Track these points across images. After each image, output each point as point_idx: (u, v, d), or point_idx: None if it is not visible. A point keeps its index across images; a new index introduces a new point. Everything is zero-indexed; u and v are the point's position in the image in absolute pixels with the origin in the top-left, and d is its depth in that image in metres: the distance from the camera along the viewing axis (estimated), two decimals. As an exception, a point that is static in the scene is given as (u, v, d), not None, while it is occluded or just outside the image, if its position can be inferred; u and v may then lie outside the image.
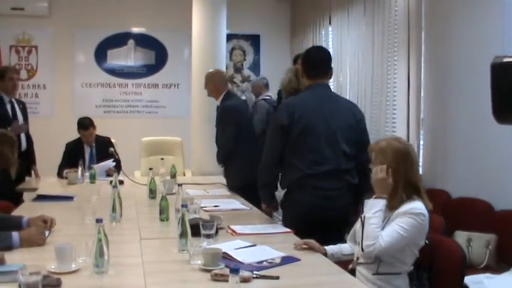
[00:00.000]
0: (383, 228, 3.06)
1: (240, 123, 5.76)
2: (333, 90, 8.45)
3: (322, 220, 3.93)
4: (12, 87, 6.78)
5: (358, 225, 3.22)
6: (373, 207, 3.11)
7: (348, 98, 7.86)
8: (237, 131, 5.68)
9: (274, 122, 4.30)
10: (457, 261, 3.10)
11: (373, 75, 6.99)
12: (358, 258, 3.22)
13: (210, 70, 6.51)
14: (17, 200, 5.21)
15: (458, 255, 3.10)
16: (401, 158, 3.18)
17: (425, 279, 3.20)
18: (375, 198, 3.17)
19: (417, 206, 3.07)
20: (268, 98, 8.13)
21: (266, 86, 8.37)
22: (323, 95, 4.30)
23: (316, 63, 4.34)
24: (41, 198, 5.36)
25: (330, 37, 8.81)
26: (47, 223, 3.78)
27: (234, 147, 5.71)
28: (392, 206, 3.15)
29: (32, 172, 6.81)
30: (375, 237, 3.01)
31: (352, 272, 3.16)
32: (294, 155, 4.14)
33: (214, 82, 6.16)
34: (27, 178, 6.39)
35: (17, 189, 5.75)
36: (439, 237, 3.38)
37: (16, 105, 6.86)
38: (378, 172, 3.17)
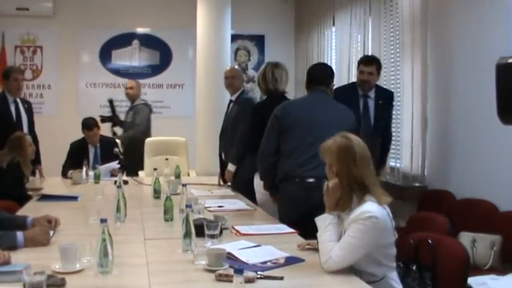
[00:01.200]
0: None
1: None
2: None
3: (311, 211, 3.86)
4: (16, 88, 6.80)
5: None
6: (323, 223, 3.02)
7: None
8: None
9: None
10: (460, 262, 3.09)
11: (380, 76, 6.96)
12: None
13: (234, 67, 7.12)
14: (25, 200, 5.22)
15: (462, 255, 3.10)
16: (342, 154, 3.02)
17: (428, 279, 3.19)
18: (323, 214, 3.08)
19: (366, 209, 2.89)
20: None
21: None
22: (319, 97, 4.60)
23: (319, 79, 4.66)
24: (45, 198, 5.37)
25: (334, 37, 8.80)
26: (51, 223, 3.78)
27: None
28: (344, 209, 3.04)
29: (37, 172, 6.82)
30: (328, 252, 2.92)
31: None
32: (285, 147, 4.43)
33: (242, 78, 6.42)
34: (31, 178, 6.40)
35: (27, 188, 5.74)
36: (442, 237, 3.37)
37: (21, 105, 6.88)
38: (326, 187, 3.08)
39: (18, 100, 6.89)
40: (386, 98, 5.94)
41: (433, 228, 3.95)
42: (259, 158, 4.66)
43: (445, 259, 3.14)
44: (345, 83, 8.03)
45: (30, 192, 5.64)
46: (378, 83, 6.00)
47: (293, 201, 4.34)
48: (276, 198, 4.66)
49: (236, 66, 6.96)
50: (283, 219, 4.31)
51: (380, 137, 5.82)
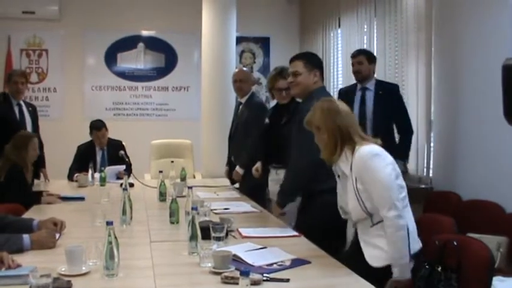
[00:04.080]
0: (356, 189, 3.20)
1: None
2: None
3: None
4: (16, 91, 6.79)
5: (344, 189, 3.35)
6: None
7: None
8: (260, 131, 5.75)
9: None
10: (485, 263, 3.09)
11: (385, 78, 6.96)
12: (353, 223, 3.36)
13: (244, 69, 7.05)
14: (35, 202, 5.23)
15: (486, 257, 3.09)
16: (326, 110, 3.37)
17: (454, 281, 3.18)
18: None
19: (363, 152, 3.19)
20: None
21: None
22: None
23: None
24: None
25: (339, 39, 8.80)
26: (57, 226, 3.79)
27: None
28: (332, 160, 3.33)
29: (41, 175, 6.84)
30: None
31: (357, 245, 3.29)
32: None
33: (251, 80, 6.40)
34: (35, 181, 6.41)
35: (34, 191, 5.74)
36: (466, 239, 3.38)
37: (25, 108, 6.89)
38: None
39: (22, 103, 6.90)
40: (388, 90, 5.92)
41: (440, 229, 3.94)
42: (309, 167, 4.07)
43: (469, 261, 3.14)
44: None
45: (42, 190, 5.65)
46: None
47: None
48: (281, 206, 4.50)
49: (244, 68, 6.94)
50: (316, 227, 3.96)
51: (385, 128, 5.73)
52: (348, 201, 3.28)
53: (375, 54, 7.17)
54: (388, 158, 3.20)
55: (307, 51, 4.83)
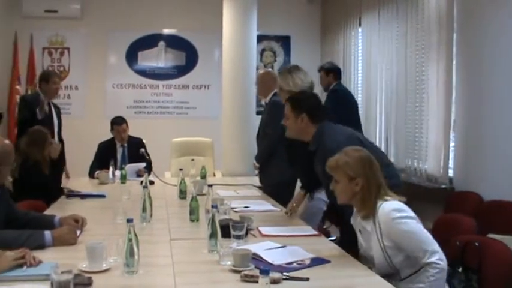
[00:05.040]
0: (383, 246, 3.09)
1: None
2: (361, 93, 8.49)
3: None
4: (55, 92, 7.06)
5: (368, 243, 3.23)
6: None
7: (377, 100, 7.85)
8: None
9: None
10: (506, 265, 3.06)
11: (406, 77, 6.94)
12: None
13: (261, 71, 6.99)
14: (55, 198, 5.29)
15: (508, 258, 3.07)
16: (368, 163, 3.23)
17: (475, 282, 3.16)
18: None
19: (386, 209, 3.08)
20: None
21: None
22: None
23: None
24: (73, 195, 5.43)
25: (360, 38, 8.77)
26: (78, 222, 3.82)
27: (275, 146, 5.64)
28: (365, 215, 3.20)
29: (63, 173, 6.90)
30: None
31: None
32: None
33: (265, 81, 6.38)
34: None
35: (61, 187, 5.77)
36: (488, 240, 3.35)
37: (53, 109, 7.07)
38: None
39: (51, 103, 7.07)
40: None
41: (460, 230, 3.92)
42: None
43: (491, 262, 3.11)
44: (371, 84, 8.04)
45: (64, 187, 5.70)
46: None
47: None
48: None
49: (262, 71, 6.95)
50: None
51: None
52: (374, 257, 3.18)
53: (395, 53, 7.18)
54: (411, 212, 3.11)
55: (296, 93, 4.56)
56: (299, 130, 4.17)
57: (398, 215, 3.04)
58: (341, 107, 6.80)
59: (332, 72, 7.56)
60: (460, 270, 3.14)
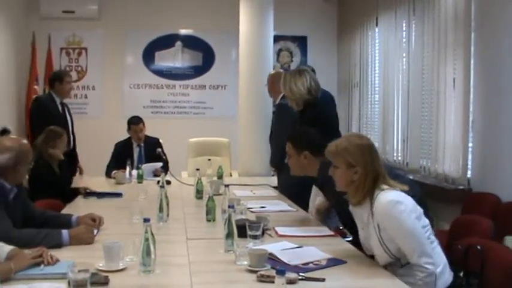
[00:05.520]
0: (380, 237, 3.07)
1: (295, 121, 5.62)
2: (378, 92, 8.45)
3: None
4: (69, 91, 7.33)
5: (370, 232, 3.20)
6: None
7: (394, 100, 7.82)
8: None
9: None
10: (510, 269, 3.02)
11: (422, 77, 6.90)
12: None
13: (272, 71, 6.96)
14: (71, 198, 5.33)
15: (511, 262, 3.03)
16: (367, 151, 3.20)
17: (476, 286, 3.13)
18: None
19: (382, 201, 3.03)
20: None
21: None
22: None
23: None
24: (91, 194, 5.46)
25: (377, 38, 8.74)
26: (95, 221, 3.84)
27: None
28: (356, 202, 3.18)
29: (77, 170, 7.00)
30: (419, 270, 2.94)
31: None
32: None
33: (275, 81, 6.35)
34: (73, 177, 6.53)
35: (73, 188, 5.80)
36: (491, 243, 3.31)
37: (66, 108, 7.26)
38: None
39: (63, 102, 7.23)
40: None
41: (477, 231, 3.89)
42: None
43: (494, 266, 3.07)
44: (388, 84, 8.00)
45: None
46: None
47: None
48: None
49: (272, 71, 6.96)
50: None
51: None
52: (373, 247, 3.17)
53: (413, 53, 7.16)
54: (410, 204, 3.04)
55: (298, 131, 4.51)
56: (303, 167, 4.15)
57: (394, 208, 2.99)
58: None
59: None
60: (461, 274, 3.10)
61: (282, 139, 5.40)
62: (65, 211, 4.45)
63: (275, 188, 6.12)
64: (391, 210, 2.99)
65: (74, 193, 5.46)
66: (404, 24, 7.63)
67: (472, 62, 5.92)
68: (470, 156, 5.99)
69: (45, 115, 6.89)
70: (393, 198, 3.02)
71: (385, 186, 3.11)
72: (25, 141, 3.79)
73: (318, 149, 4.00)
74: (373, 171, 3.15)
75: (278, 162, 5.83)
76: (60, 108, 7.14)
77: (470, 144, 5.98)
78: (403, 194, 3.07)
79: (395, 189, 3.11)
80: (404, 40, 7.63)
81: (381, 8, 8.50)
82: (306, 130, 4.41)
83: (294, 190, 5.47)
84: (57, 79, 7.20)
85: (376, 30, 8.75)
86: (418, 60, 7.03)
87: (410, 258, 2.96)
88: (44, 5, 9.87)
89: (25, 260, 2.85)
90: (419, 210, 3.10)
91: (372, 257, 3.29)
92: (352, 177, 3.17)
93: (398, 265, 3.09)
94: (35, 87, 9.52)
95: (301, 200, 5.03)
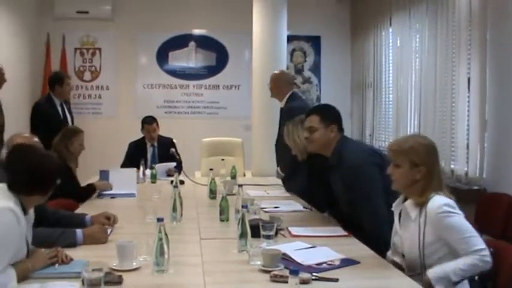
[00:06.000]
0: (423, 235, 3.05)
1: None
2: (392, 93, 8.43)
3: None
4: (69, 92, 7.66)
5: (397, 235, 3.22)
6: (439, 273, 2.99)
7: (408, 100, 7.79)
8: None
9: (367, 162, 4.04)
10: None
11: (435, 77, 6.87)
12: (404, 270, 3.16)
13: (275, 71, 6.62)
14: (85, 198, 5.36)
15: None
16: (430, 152, 3.18)
17: None
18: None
19: (440, 203, 3.02)
20: None
21: None
22: None
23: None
24: (104, 194, 5.47)
25: (390, 38, 8.71)
26: (110, 220, 3.86)
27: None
28: (420, 202, 3.12)
29: None
30: (473, 260, 2.92)
31: None
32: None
33: (278, 83, 6.27)
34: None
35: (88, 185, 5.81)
36: (504, 244, 3.29)
37: (64, 106, 7.44)
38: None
39: (63, 102, 7.43)
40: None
41: (491, 232, 3.87)
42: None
43: (507, 268, 3.05)
44: (402, 84, 7.98)
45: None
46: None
47: None
48: None
49: (275, 71, 6.69)
50: None
51: None
52: (406, 244, 3.16)
53: (426, 53, 7.12)
54: (460, 211, 3.06)
55: (323, 104, 4.47)
56: (326, 142, 4.09)
57: (450, 209, 3.00)
58: None
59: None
60: (476, 278, 3.07)
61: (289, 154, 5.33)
62: (79, 211, 4.46)
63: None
64: (447, 212, 2.99)
65: (89, 191, 5.48)
66: (418, 24, 7.60)
67: (487, 61, 5.88)
68: (484, 156, 5.95)
69: (44, 119, 7.03)
70: (448, 202, 3.04)
71: (440, 192, 3.11)
72: (36, 138, 3.84)
73: (341, 125, 4.12)
74: (437, 171, 3.17)
75: (291, 171, 5.74)
76: (60, 109, 7.30)
77: (485, 145, 5.94)
78: (453, 202, 3.08)
79: (447, 196, 3.11)
80: (418, 40, 7.60)
81: (394, 8, 8.48)
82: (327, 104, 4.43)
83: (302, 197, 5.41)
84: (57, 82, 7.34)
85: (390, 30, 8.72)
86: (432, 60, 7.00)
87: (467, 249, 2.92)
88: (58, 6, 9.92)
89: (42, 260, 2.87)
90: None
91: (384, 256, 3.29)
92: (414, 176, 3.14)
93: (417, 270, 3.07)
94: (49, 87, 9.58)
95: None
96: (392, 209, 3.34)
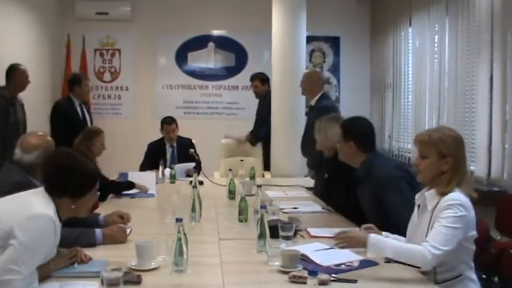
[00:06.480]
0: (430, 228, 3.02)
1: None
2: (411, 93, 8.38)
3: None
4: (87, 92, 8.00)
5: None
6: (377, 245, 3.04)
7: (427, 101, 7.74)
8: None
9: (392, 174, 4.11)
10: None
11: (456, 78, 6.82)
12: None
13: (308, 70, 6.83)
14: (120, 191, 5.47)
15: None
16: (461, 145, 3.17)
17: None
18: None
19: (454, 197, 2.99)
20: None
21: None
22: None
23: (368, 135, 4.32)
24: (123, 194, 5.50)
25: (410, 38, 8.67)
26: (123, 218, 3.88)
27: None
28: (444, 193, 3.08)
29: None
30: (419, 249, 2.92)
31: None
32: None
33: (311, 81, 6.39)
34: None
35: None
36: None
37: (83, 107, 7.65)
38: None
39: (81, 103, 7.64)
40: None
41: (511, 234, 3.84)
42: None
43: None
44: (421, 85, 7.93)
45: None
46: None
47: None
48: None
49: (307, 69, 6.97)
50: None
51: None
52: (417, 234, 3.16)
53: (446, 53, 7.08)
54: (470, 214, 3.00)
55: (351, 119, 4.55)
56: (348, 155, 4.25)
57: (458, 207, 2.95)
58: None
59: (267, 82, 8.29)
60: (496, 279, 3.04)
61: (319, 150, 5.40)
62: (98, 211, 4.48)
63: (308, 189, 6.10)
64: (449, 207, 2.96)
65: (129, 186, 5.53)
66: (437, 24, 7.55)
67: (508, 62, 5.83)
68: (506, 157, 5.89)
69: (64, 119, 7.24)
70: (462, 202, 2.99)
71: (463, 187, 3.08)
72: (49, 137, 3.87)
73: (363, 144, 4.15)
74: (464, 164, 3.14)
75: (318, 167, 5.79)
76: (79, 109, 7.49)
77: (506, 146, 5.89)
78: (471, 206, 3.03)
79: (468, 193, 3.08)
80: (437, 40, 7.55)
81: (414, 8, 8.44)
82: (360, 122, 4.41)
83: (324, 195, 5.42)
84: (76, 83, 7.58)
85: (410, 30, 8.68)
86: (452, 60, 6.95)
87: (429, 240, 2.92)
88: (78, 7, 10.00)
89: (63, 260, 2.89)
90: (472, 228, 3.04)
91: None
92: (442, 167, 3.12)
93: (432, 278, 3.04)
94: (70, 88, 9.65)
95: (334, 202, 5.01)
96: (415, 200, 3.32)
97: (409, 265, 3.00)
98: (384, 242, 2.99)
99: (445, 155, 3.10)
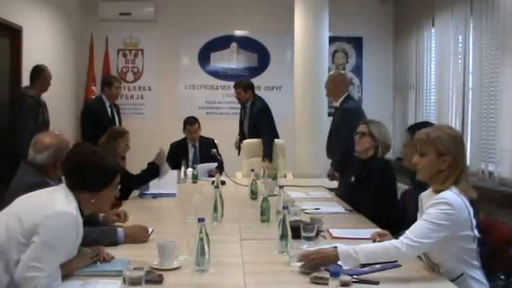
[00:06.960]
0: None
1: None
2: (434, 94, 8.33)
3: None
4: (117, 94, 8.11)
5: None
6: (350, 257, 2.96)
7: (450, 102, 7.68)
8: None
9: None
10: None
11: (480, 78, 6.76)
12: None
13: (333, 72, 7.14)
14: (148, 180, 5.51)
15: None
16: (460, 143, 3.15)
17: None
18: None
19: (442, 195, 2.97)
20: None
21: None
22: None
23: None
24: (145, 194, 5.51)
25: (433, 39, 8.62)
26: (120, 217, 3.92)
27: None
28: (438, 190, 3.06)
29: None
30: (394, 245, 2.92)
31: None
32: None
33: (335, 83, 6.41)
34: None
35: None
36: None
37: (113, 108, 7.93)
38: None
39: (112, 104, 7.92)
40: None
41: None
42: None
43: None
44: (444, 86, 7.88)
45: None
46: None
47: None
48: None
49: (333, 72, 6.98)
50: None
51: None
52: None
53: (470, 53, 7.02)
54: (458, 215, 2.91)
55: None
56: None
57: (445, 205, 2.91)
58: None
59: (251, 89, 8.33)
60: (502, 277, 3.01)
61: (347, 144, 5.37)
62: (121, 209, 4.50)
63: (330, 189, 6.09)
64: (434, 205, 2.94)
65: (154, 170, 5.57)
66: (461, 25, 7.50)
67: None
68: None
69: (94, 119, 7.53)
70: (449, 199, 2.94)
71: (460, 186, 3.04)
72: (64, 136, 3.87)
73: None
74: (463, 163, 3.11)
75: (341, 168, 5.80)
76: (109, 110, 7.77)
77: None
78: (464, 206, 2.96)
79: (467, 194, 3.03)
80: (461, 41, 7.50)
81: (437, 9, 8.38)
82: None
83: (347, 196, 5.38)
84: (106, 84, 7.94)
85: (433, 30, 8.63)
86: (476, 60, 6.90)
87: (407, 232, 2.92)
88: (101, 8, 10.06)
89: (86, 259, 2.91)
90: (465, 228, 2.97)
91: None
92: (440, 166, 3.10)
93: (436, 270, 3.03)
94: (93, 88, 9.73)
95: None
96: (419, 200, 3.30)
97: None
98: (353, 249, 2.91)
99: (443, 153, 3.09)
